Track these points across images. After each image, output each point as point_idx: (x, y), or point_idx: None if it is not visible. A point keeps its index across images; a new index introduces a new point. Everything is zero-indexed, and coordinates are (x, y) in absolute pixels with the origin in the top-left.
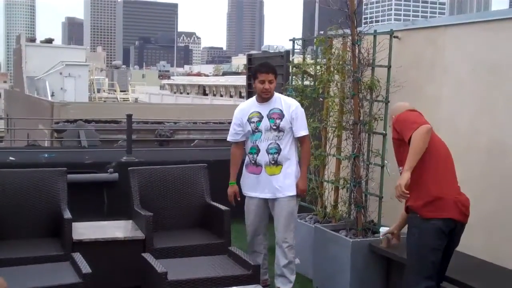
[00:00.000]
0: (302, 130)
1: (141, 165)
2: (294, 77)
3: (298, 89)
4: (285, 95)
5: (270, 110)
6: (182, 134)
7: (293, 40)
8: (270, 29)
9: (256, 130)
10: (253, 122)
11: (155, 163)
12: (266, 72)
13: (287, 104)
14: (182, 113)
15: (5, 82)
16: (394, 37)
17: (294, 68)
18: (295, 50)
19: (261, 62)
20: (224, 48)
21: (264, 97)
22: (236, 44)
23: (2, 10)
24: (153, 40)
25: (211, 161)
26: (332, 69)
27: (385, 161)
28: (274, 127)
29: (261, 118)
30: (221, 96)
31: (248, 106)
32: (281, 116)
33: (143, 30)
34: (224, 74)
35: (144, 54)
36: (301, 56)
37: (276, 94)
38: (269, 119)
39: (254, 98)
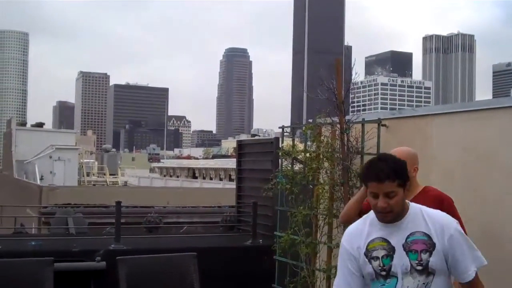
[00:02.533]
0: (471, 266)
1: (129, 253)
2: (284, 162)
3: (288, 175)
4: (274, 182)
5: (408, 237)
6: (171, 218)
7: (283, 127)
8: (259, 112)
9: (384, 273)
10: (377, 258)
11: (144, 251)
12: (378, 180)
13: (436, 223)
14: (172, 196)
15: None
16: (382, 125)
17: (283, 154)
18: (285, 133)
19: (372, 158)
20: (214, 132)
21: (383, 219)
22: (225, 127)
23: None
24: (144, 124)
25: (201, 248)
26: (321, 156)
27: None
28: (419, 268)
29: (391, 250)
30: (211, 179)
31: (362, 227)
32: (430, 246)
33: (133, 113)
34: (214, 157)
35: (135, 138)
36: (290, 139)
37: (414, 206)
38: (407, 253)
39: (371, 212)
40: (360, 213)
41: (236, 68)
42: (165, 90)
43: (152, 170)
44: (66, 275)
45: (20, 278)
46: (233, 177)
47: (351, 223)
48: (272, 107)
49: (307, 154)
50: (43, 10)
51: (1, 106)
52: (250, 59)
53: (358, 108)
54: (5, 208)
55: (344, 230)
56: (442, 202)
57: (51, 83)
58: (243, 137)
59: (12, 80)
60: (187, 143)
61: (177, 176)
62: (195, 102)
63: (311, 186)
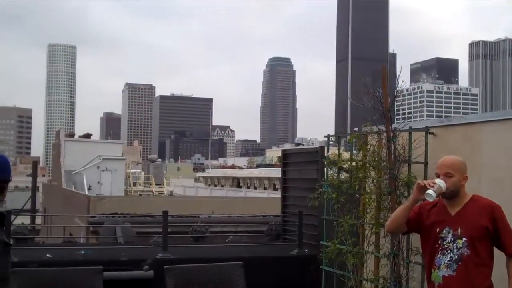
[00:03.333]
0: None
1: (176, 262)
2: (329, 171)
3: (334, 184)
4: (320, 191)
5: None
6: (216, 227)
7: (328, 136)
8: (303, 121)
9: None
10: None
11: (190, 261)
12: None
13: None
14: (217, 205)
15: (43, 176)
16: (430, 133)
17: (329, 163)
18: (330, 141)
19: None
20: (258, 141)
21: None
22: (269, 137)
23: (43, 106)
24: (188, 134)
25: (247, 258)
26: (368, 165)
27: None
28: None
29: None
30: (255, 188)
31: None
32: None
33: (178, 124)
34: (258, 166)
35: (180, 147)
36: (335, 147)
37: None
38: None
39: None
40: (408, 222)
41: (279, 78)
42: (209, 100)
43: (197, 179)
44: (115, 284)
45: (71, 286)
46: (278, 186)
47: (397, 233)
48: (316, 116)
49: (353, 163)
50: (90, 24)
51: (51, 118)
52: (294, 68)
53: (404, 116)
54: (55, 218)
55: (391, 239)
56: (493, 211)
57: (98, 94)
58: (287, 146)
59: (61, 92)
60: (231, 153)
61: (222, 186)
62: (239, 112)
63: (357, 195)
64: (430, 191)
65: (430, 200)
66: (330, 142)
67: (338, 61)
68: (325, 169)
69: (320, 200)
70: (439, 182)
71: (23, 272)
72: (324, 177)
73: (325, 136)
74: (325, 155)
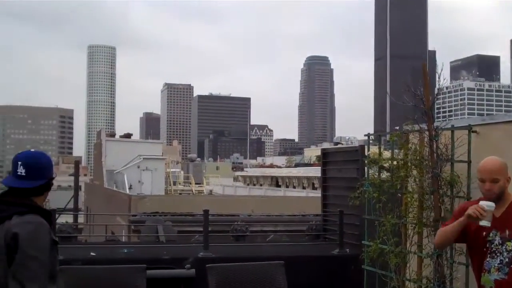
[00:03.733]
0: None
1: (218, 261)
2: (370, 171)
3: (375, 183)
4: (360, 190)
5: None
6: (256, 226)
7: (368, 135)
8: (341, 120)
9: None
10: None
11: (231, 259)
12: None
13: None
14: (256, 204)
15: (85, 175)
16: (472, 131)
17: (370, 162)
18: (370, 140)
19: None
20: (296, 140)
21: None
22: (307, 135)
23: (84, 107)
24: (227, 133)
25: (288, 257)
26: (409, 164)
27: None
28: None
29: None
30: (294, 187)
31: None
32: None
33: (217, 123)
34: (297, 165)
35: (218, 147)
36: (375, 146)
37: None
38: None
39: None
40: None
41: (317, 76)
42: (247, 100)
43: (235, 178)
44: (157, 282)
45: (115, 284)
46: (316, 185)
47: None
48: (354, 114)
49: (394, 162)
50: (129, 25)
51: (92, 118)
52: (331, 67)
53: (444, 114)
54: (97, 216)
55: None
56: None
57: (137, 95)
58: (326, 145)
59: (101, 93)
60: (269, 152)
61: (261, 185)
62: (277, 111)
63: (399, 195)
64: (485, 223)
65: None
66: (370, 141)
67: (376, 59)
68: (365, 168)
69: (361, 200)
70: (489, 206)
71: (68, 270)
72: (364, 176)
73: (365, 135)
74: (366, 154)
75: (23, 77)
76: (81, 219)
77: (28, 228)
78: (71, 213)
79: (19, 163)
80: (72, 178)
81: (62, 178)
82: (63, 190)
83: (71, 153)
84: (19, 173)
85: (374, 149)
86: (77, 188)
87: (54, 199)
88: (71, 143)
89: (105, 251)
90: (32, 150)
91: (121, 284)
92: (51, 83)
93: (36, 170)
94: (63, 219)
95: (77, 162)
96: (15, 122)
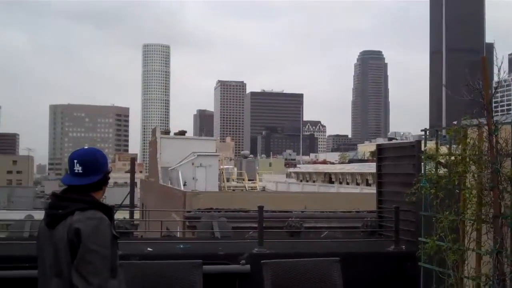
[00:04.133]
0: None
1: (272, 257)
2: (426, 166)
3: (432, 179)
4: (417, 186)
5: None
6: (309, 223)
7: (425, 130)
8: (396, 115)
9: None
10: None
11: (287, 256)
12: None
13: None
14: (309, 201)
15: (141, 172)
16: None
17: (426, 158)
18: (426, 135)
19: None
20: (350, 136)
21: None
22: (361, 131)
23: (140, 105)
24: (280, 129)
25: (343, 254)
26: (468, 159)
27: None
28: None
29: None
30: (348, 184)
31: None
32: None
33: (269, 120)
34: (350, 161)
35: (271, 143)
36: (432, 142)
37: None
38: None
39: None
40: None
41: (371, 71)
42: (300, 96)
43: (288, 175)
44: (213, 277)
45: (173, 279)
46: (370, 181)
47: None
48: (409, 109)
49: (452, 157)
50: (183, 23)
51: (147, 116)
52: (386, 61)
53: (503, 108)
54: (152, 213)
55: (494, 236)
56: None
57: (191, 92)
58: (380, 141)
59: (156, 91)
60: (322, 148)
61: (314, 181)
62: (329, 106)
63: (457, 191)
64: None
65: None
66: (427, 136)
67: (432, 53)
68: (422, 164)
69: (417, 196)
70: None
71: (127, 265)
72: (421, 172)
73: (422, 130)
74: (422, 149)
75: (80, 77)
76: (136, 215)
77: (90, 224)
78: (128, 209)
79: (75, 161)
80: (128, 175)
81: (118, 175)
82: (119, 186)
83: (127, 151)
84: (76, 171)
85: (430, 145)
86: (133, 184)
87: (111, 196)
88: (127, 141)
89: (162, 247)
90: (86, 147)
91: (179, 279)
92: (108, 82)
93: (92, 167)
94: (120, 215)
95: (133, 159)
96: (73, 120)
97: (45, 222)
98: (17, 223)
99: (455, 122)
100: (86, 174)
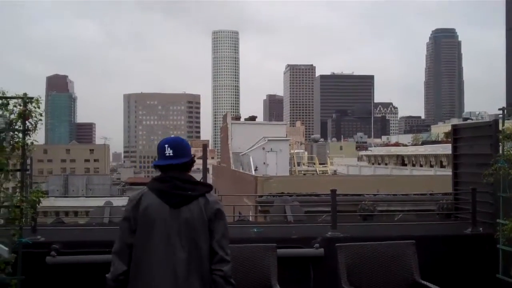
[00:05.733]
0: None
1: (346, 240)
2: (504, 146)
3: (511, 160)
4: (495, 167)
5: None
6: (382, 206)
7: (503, 109)
8: (471, 94)
9: None
10: None
11: (360, 239)
12: None
13: None
14: (381, 184)
15: (213, 158)
16: None
17: (505, 137)
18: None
19: None
20: (423, 117)
21: None
22: (434, 112)
23: (210, 92)
24: (350, 112)
25: (418, 237)
26: None
27: None
28: None
29: None
30: (421, 166)
31: None
32: None
33: (340, 103)
34: (424, 143)
35: (341, 127)
36: (509, 121)
37: None
38: None
39: None
40: None
41: (444, 50)
42: (370, 78)
43: (360, 158)
44: (287, 260)
45: (249, 261)
46: (445, 163)
47: None
48: (485, 88)
49: None
50: (251, 8)
51: (217, 102)
52: (459, 39)
53: None
54: (224, 197)
55: None
56: None
57: (260, 78)
58: (454, 121)
59: (225, 77)
60: (394, 130)
61: (386, 164)
62: (401, 87)
63: None
64: None
65: None
66: (505, 115)
67: (508, 29)
68: (500, 143)
69: (495, 177)
70: None
71: None
72: (499, 152)
73: (499, 109)
74: (500, 128)
75: (152, 65)
76: None
77: (222, 206)
78: None
79: (166, 145)
80: (201, 161)
81: None
82: (193, 172)
83: (198, 137)
84: (167, 154)
85: (509, 124)
86: (205, 170)
87: None
88: (199, 127)
89: (236, 231)
90: (173, 135)
91: (254, 261)
92: (179, 70)
93: (181, 150)
94: None
95: (205, 146)
96: (147, 108)
97: (171, 203)
98: (96, 209)
99: None
100: (176, 157)
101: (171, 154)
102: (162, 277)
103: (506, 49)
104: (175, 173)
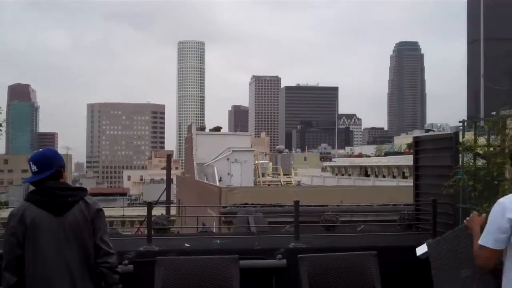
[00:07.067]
0: None
1: (309, 251)
2: (464, 158)
3: (470, 171)
4: (455, 178)
5: None
6: (345, 217)
7: (463, 121)
8: (433, 106)
9: None
10: None
11: (323, 250)
12: None
13: None
14: (345, 195)
15: (177, 168)
16: None
17: (464, 149)
18: (464, 126)
19: None
20: (386, 128)
21: None
22: (397, 123)
23: (175, 102)
24: (315, 123)
25: (380, 247)
26: (506, 150)
27: None
28: None
29: None
30: (384, 177)
31: None
32: None
33: (304, 114)
34: (386, 154)
35: (306, 138)
36: (470, 133)
37: None
38: None
39: None
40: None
41: (407, 62)
42: (335, 89)
43: (324, 169)
44: (249, 272)
45: (210, 273)
46: (407, 174)
47: None
48: (446, 100)
49: (491, 149)
50: (217, 19)
51: (182, 113)
52: (422, 52)
53: None
54: (188, 208)
55: None
56: None
57: (226, 88)
58: (416, 133)
59: (191, 87)
60: (358, 141)
61: (349, 175)
62: (365, 99)
63: (496, 182)
64: None
65: None
66: (465, 128)
67: (469, 42)
68: (459, 155)
69: (455, 188)
70: None
71: (165, 260)
72: (459, 164)
73: (460, 121)
74: (460, 141)
75: (117, 75)
76: (173, 211)
77: (100, 205)
78: (164, 205)
79: (31, 162)
80: (165, 171)
81: (154, 171)
82: (156, 183)
83: (163, 147)
84: (33, 170)
85: (468, 136)
86: (169, 181)
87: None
88: (163, 138)
89: (199, 242)
90: (41, 150)
91: (216, 273)
92: (144, 80)
93: (45, 163)
94: (157, 211)
95: (169, 156)
96: (110, 118)
97: (55, 211)
98: None
99: (493, 113)
100: (41, 171)
101: (36, 169)
102: (60, 282)
103: (467, 62)
104: (50, 184)
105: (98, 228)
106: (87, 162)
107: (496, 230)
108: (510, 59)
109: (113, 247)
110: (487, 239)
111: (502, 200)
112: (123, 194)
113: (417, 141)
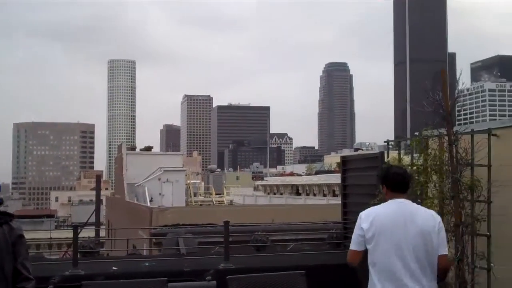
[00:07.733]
0: None
1: (239, 272)
2: None
3: None
4: (380, 197)
5: None
6: (277, 236)
7: (388, 141)
8: (362, 125)
9: None
10: None
11: (253, 270)
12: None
13: None
14: (276, 213)
15: (106, 189)
16: (493, 135)
17: None
18: (389, 146)
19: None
20: (316, 147)
21: None
22: (328, 142)
23: (105, 121)
24: (247, 143)
25: (309, 266)
26: (429, 169)
27: (491, 264)
28: None
29: None
30: (315, 195)
31: None
32: None
33: (236, 133)
34: (317, 173)
35: (238, 157)
36: (396, 152)
37: None
38: None
39: None
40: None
41: (336, 83)
42: (267, 109)
43: (256, 188)
44: None
45: None
46: (337, 192)
47: None
48: (375, 120)
49: (414, 168)
50: (148, 38)
51: (113, 132)
52: (351, 73)
53: (465, 117)
54: (118, 230)
55: (455, 244)
56: None
57: (157, 107)
58: (346, 151)
59: (122, 107)
60: (289, 160)
61: (281, 193)
62: (296, 119)
63: (419, 201)
64: None
65: None
66: (390, 147)
67: (396, 64)
68: None
69: None
70: None
71: (92, 285)
72: None
73: (385, 141)
74: (385, 160)
75: (46, 95)
76: (102, 233)
77: (23, 231)
78: (93, 227)
79: None
80: (94, 192)
81: (83, 192)
82: (85, 204)
83: (92, 168)
84: None
85: (394, 155)
86: (98, 202)
87: (76, 214)
88: (92, 158)
89: (127, 265)
90: None
91: None
92: (73, 100)
93: None
94: (86, 233)
95: (98, 177)
96: (38, 138)
97: None
98: None
99: (417, 133)
100: None
101: None
102: None
103: (394, 83)
104: None
105: (19, 253)
106: (13, 183)
107: (357, 236)
108: (434, 79)
109: (38, 271)
110: (352, 243)
111: (360, 213)
112: (51, 216)
113: (344, 160)
